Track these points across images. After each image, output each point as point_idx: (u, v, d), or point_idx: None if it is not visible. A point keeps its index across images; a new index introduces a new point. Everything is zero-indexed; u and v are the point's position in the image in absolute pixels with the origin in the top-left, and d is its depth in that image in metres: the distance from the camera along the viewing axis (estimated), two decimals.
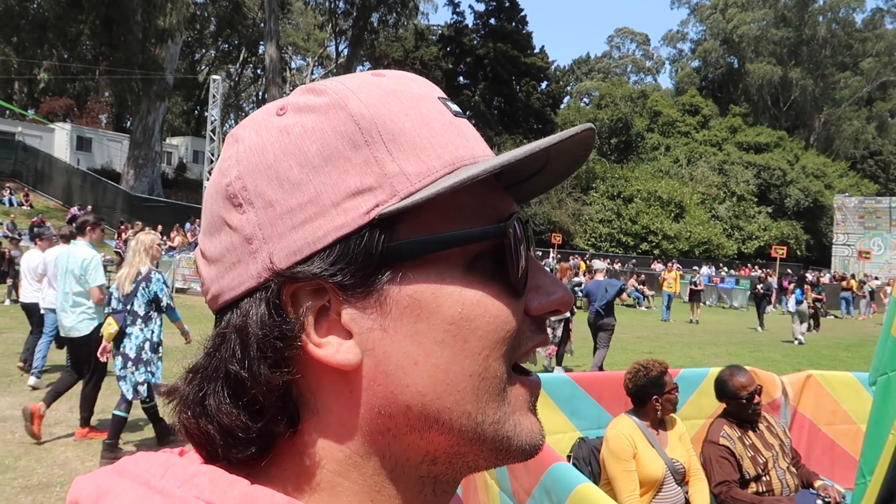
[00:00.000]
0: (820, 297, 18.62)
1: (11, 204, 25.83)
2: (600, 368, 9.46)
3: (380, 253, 0.41)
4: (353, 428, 0.43)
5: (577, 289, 14.17)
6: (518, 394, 0.46)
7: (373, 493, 0.43)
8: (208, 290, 0.46)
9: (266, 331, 0.41)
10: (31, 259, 7.91)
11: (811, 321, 17.73)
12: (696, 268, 28.37)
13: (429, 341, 0.42)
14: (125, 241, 14.69)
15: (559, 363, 9.87)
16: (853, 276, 29.19)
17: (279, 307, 0.41)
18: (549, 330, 4.54)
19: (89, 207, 26.01)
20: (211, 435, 0.42)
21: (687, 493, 3.25)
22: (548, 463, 2.40)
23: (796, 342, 15.29)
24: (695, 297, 20.34)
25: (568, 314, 9.64)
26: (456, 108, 0.48)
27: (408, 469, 0.44)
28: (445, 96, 0.49)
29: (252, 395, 0.41)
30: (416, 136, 0.44)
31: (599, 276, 10.53)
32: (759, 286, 19.59)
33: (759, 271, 22.59)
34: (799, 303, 15.47)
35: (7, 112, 33.07)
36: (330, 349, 0.42)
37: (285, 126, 0.44)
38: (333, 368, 0.42)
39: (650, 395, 3.24)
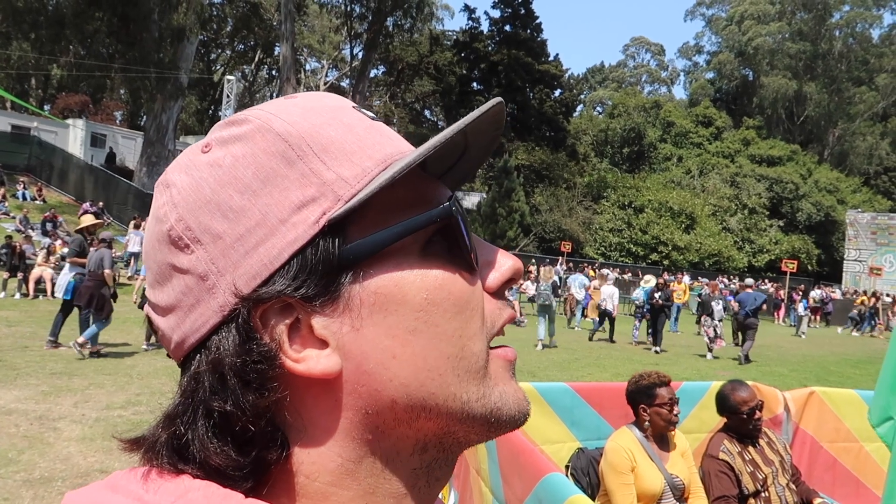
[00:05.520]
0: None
1: (25, 198, 26.00)
2: (747, 357, 13.55)
3: (336, 258, 0.42)
4: (343, 435, 0.43)
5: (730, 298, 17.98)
6: (498, 365, 0.48)
7: (367, 497, 0.44)
8: (171, 340, 0.46)
9: (244, 357, 0.41)
10: None
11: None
12: (704, 280, 28.07)
13: (403, 332, 0.43)
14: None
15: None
16: (864, 293, 28.99)
17: (251, 331, 0.42)
18: (710, 329, 8.90)
19: (101, 203, 26.23)
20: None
21: None
22: (542, 473, 2.40)
23: (802, 336, 21.76)
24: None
25: (724, 314, 14.83)
26: (371, 114, 0.50)
27: (399, 464, 0.45)
28: (357, 105, 0.50)
29: (241, 428, 0.41)
30: (344, 142, 0.45)
31: (750, 290, 15.09)
32: (657, 294, 15.00)
33: (662, 278, 16.17)
34: (806, 309, 23.04)
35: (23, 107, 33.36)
36: (310, 362, 0.42)
37: (214, 160, 0.45)
38: (316, 381, 0.43)
39: (637, 404, 3.23)
